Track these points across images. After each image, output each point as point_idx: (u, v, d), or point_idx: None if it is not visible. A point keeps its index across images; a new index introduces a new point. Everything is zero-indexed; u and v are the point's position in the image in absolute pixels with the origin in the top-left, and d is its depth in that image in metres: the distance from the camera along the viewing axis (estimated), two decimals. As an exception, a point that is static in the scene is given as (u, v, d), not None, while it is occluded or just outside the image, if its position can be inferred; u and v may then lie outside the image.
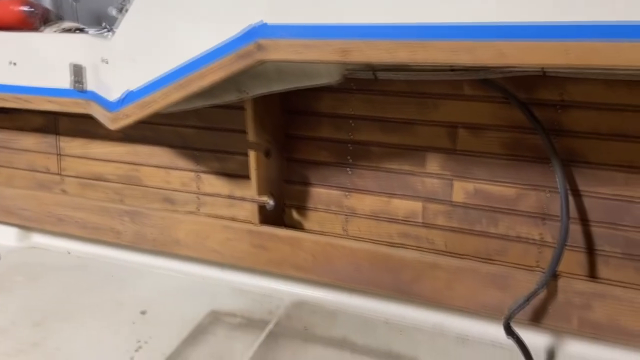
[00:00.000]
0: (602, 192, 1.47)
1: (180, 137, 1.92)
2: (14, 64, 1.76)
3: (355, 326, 1.64)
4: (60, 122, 2.11)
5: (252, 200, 1.73)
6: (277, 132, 1.74)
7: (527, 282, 1.45)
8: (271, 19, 1.16)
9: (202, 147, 1.90)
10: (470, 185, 1.61)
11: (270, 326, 1.64)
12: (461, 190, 1.62)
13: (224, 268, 1.89)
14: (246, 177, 1.77)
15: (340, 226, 1.80)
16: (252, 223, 1.76)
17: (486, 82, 1.47)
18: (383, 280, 1.61)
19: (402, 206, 1.70)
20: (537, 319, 1.47)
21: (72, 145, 2.12)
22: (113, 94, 1.50)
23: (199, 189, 1.95)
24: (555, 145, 1.45)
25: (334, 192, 1.78)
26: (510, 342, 1.44)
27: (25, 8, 1.86)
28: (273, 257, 1.73)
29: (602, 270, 1.52)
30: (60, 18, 2.03)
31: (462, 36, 0.98)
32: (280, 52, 1.15)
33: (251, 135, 1.64)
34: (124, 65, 1.46)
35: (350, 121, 1.70)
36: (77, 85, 1.66)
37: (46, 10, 1.96)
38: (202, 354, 1.53)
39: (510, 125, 1.52)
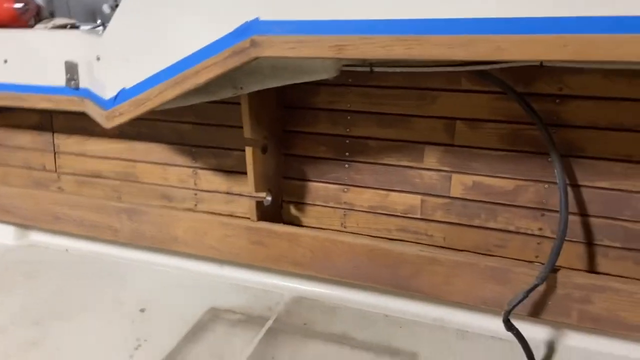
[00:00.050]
0: (601, 185, 1.46)
1: (176, 134, 1.91)
2: (6, 61, 1.75)
3: (354, 321, 1.64)
4: (56, 119, 2.10)
5: (249, 197, 1.72)
6: (274, 127, 1.73)
7: (527, 276, 1.44)
8: (265, 15, 1.14)
9: (199, 143, 1.89)
10: (468, 179, 1.60)
11: (269, 322, 1.64)
12: (459, 184, 1.61)
13: (222, 265, 1.89)
14: (244, 173, 1.76)
15: (338, 221, 1.79)
16: (250, 219, 1.75)
17: (484, 75, 1.46)
18: (382, 275, 1.60)
19: (400, 201, 1.69)
20: (536, 313, 1.47)
21: (68, 143, 2.11)
22: (107, 92, 1.49)
23: (196, 185, 1.94)
24: (553, 137, 1.44)
25: (332, 187, 1.77)
26: (510, 335, 1.44)
27: (18, 5, 1.84)
28: (271, 254, 1.73)
29: (602, 263, 1.52)
30: (52, 14, 2.01)
31: (458, 31, 0.97)
32: (274, 48, 1.13)
33: (247, 131, 1.63)
34: (117, 63, 1.44)
35: (347, 116, 1.69)
36: (70, 82, 1.65)
37: (38, 6, 1.94)
38: (202, 351, 1.53)
39: (508, 118, 1.51)
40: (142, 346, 1.55)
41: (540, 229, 1.55)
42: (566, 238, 1.44)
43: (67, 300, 1.78)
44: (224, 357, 1.50)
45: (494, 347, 1.51)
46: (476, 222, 1.62)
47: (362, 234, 1.75)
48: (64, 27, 1.87)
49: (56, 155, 2.15)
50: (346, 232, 1.78)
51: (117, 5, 1.49)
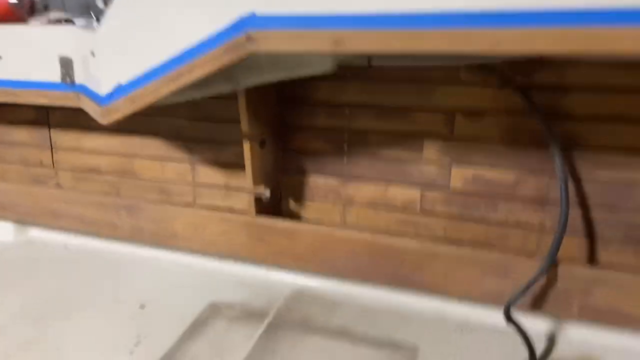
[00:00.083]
0: (602, 176, 1.45)
1: (174, 128, 1.90)
2: (0, 57, 1.73)
3: (355, 316, 1.64)
4: (52, 115, 2.08)
5: (248, 192, 1.71)
6: (272, 122, 1.71)
7: (527, 269, 1.44)
8: (261, 9, 1.12)
9: (196, 137, 1.88)
10: (468, 172, 1.59)
11: (269, 317, 1.63)
12: (459, 176, 1.60)
13: (222, 260, 1.88)
14: (242, 167, 1.74)
15: (338, 215, 1.78)
16: (249, 215, 1.74)
17: (483, 67, 1.45)
18: (382, 270, 1.60)
19: (399, 194, 1.68)
20: (537, 306, 1.47)
21: (65, 139, 2.10)
22: (103, 88, 1.47)
23: (194, 180, 1.93)
24: (554, 130, 1.42)
25: (331, 181, 1.76)
26: (511, 329, 1.44)
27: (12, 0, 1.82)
28: (271, 249, 1.72)
29: (603, 255, 1.51)
30: (47, 8, 1.99)
31: (457, 24, 0.95)
32: (270, 43, 1.12)
33: (245, 126, 1.61)
34: (112, 58, 1.42)
35: (346, 109, 1.67)
36: (66, 78, 1.63)
37: (32, 1, 1.92)
38: (202, 346, 1.52)
39: (508, 110, 1.50)
40: (142, 342, 1.54)
41: (541, 221, 1.54)
42: (567, 231, 1.43)
43: (66, 298, 1.77)
44: (225, 352, 1.50)
45: (495, 340, 1.51)
46: (476, 215, 1.61)
47: (362, 229, 1.74)
48: (58, 21, 1.84)
49: (53, 151, 2.14)
50: (346, 227, 1.77)
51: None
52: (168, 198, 1.98)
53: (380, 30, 1.01)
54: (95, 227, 2.00)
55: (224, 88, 1.47)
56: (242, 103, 1.58)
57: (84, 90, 1.59)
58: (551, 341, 1.47)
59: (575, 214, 1.49)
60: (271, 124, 1.71)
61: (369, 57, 1.52)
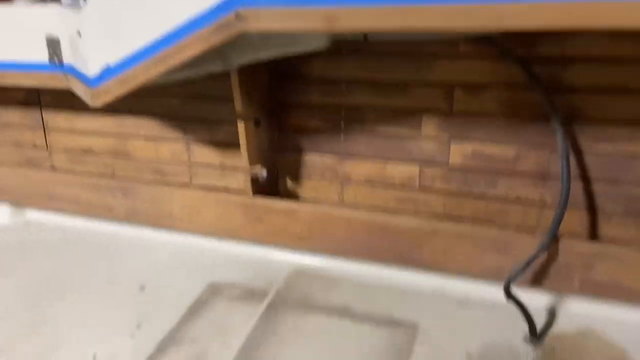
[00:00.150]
0: (604, 149, 1.43)
1: (167, 108, 1.86)
2: (-15, 38, 1.68)
3: (355, 293, 1.64)
4: (43, 95, 2.04)
5: (244, 172, 1.68)
6: (266, 100, 1.67)
7: (528, 244, 1.43)
8: (251, -14, 1.08)
9: (190, 117, 1.84)
10: (467, 147, 1.56)
11: (270, 296, 1.63)
12: (458, 152, 1.57)
13: (220, 241, 1.87)
14: (238, 146, 1.72)
15: (335, 193, 1.76)
16: (246, 195, 1.72)
17: (483, 39, 1.40)
18: (381, 247, 1.59)
19: (398, 171, 1.65)
20: (538, 281, 1.46)
21: (58, 119, 2.06)
22: (90, 69, 1.43)
23: (190, 160, 1.90)
24: (555, 103, 1.39)
25: (328, 159, 1.73)
26: (511, 304, 1.43)
27: (-6, -23, 1.76)
28: (269, 229, 1.71)
29: (604, 229, 1.50)
30: (31, -15, 1.92)
31: (457, 0, 0.91)
32: (261, 21, 1.07)
33: (238, 106, 1.58)
34: (99, 38, 1.38)
35: (342, 85, 1.63)
36: (54, 58, 1.59)
37: (16, -22, 1.85)
38: (203, 326, 1.53)
39: (508, 83, 1.46)
40: (143, 324, 1.54)
41: (541, 196, 1.52)
42: (568, 205, 1.41)
43: (65, 281, 1.77)
44: (226, 332, 1.50)
45: (495, 315, 1.51)
46: (476, 191, 1.59)
47: (360, 207, 1.73)
48: (44, 0, 1.78)
49: (46, 132, 2.10)
50: (344, 205, 1.75)
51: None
52: (163, 178, 1.96)
53: (376, 7, 0.97)
54: (92, 209, 1.99)
55: (216, 67, 1.43)
56: (234, 82, 1.55)
57: (72, 71, 1.55)
58: (552, 315, 1.47)
59: (576, 188, 1.47)
60: (265, 103, 1.67)
61: (365, 33, 1.47)
